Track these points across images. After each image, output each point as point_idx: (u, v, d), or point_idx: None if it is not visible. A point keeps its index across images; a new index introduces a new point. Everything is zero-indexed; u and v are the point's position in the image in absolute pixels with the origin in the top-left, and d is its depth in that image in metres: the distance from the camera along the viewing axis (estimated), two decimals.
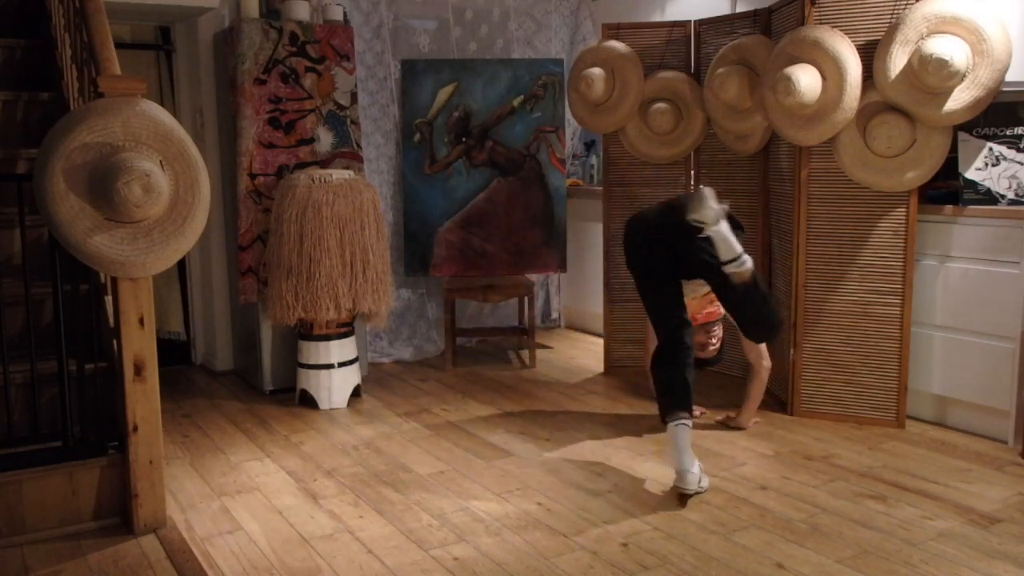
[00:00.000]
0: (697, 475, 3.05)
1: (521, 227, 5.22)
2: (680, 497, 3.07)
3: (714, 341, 3.71)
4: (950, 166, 3.62)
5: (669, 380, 3.20)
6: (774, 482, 3.24)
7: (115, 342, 2.89)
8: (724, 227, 3.08)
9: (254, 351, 4.60)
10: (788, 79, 3.59)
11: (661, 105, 4.45)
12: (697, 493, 3.07)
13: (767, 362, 3.74)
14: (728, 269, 3.10)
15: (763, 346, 3.70)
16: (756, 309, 3.30)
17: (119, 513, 2.93)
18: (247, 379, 4.79)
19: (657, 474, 3.33)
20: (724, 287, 3.22)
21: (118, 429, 2.93)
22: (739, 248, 3.10)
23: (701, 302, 3.59)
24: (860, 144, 3.68)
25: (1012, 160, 3.57)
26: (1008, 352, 3.49)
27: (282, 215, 4.09)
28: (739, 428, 3.80)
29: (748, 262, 3.11)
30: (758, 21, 4.22)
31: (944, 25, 3.43)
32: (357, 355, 4.41)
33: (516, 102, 5.18)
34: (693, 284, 3.41)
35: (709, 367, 3.87)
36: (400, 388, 4.63)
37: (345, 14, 4.68)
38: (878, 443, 3.62)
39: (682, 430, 3.09)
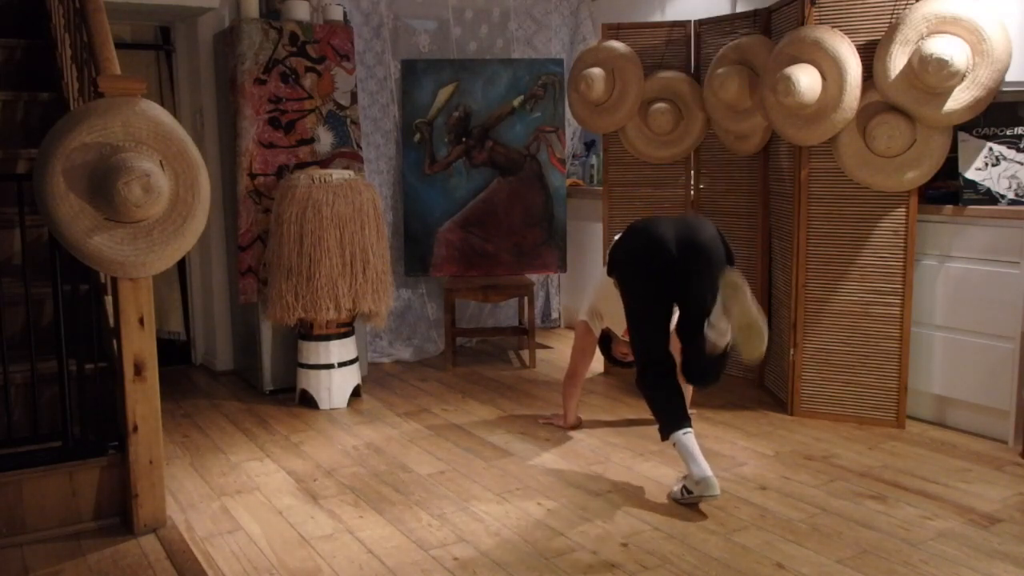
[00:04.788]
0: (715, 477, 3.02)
1: (521, 227, 5.22)
2: (694, 505, 3.05)
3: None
4: (950, 166, 3.62)
5: (669, 398, 3.15)
6: (774, 482, 3.24)
7: (115, 342, 2.89)
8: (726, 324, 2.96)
9: (254, 351, 4.60)
10: (788, 79, 3.59)
11: (661, 105, 4.45)
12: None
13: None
14: (709, 334, 2.98)
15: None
16: (711, 366, 3.14)
17: (119, 513, 2.93)
18: (247, 379, 4.79)
19: (657, 474, 3.33)
20: (696, 326, 3.09)
21: (118, 429, 2.93)
22: (728, 327, 2.96)
23: None
24: (860, 144, 3.68)
25: (1012, 160, 3.57)
26: (1008, 352, 3.49)
27: (282, 215, 4.09)
28: None
29: (728, 339, 2.98)
30: (758, 21, 4.22)
31: (944, 25, 3.43)
32: (357, 355, 4.41)
33: (516, 102, 5.18)
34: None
35: (625, 367, 3.91)
36: (400, 388, 4.63)
37: (345, 14, 4.68)
38: (878, 443, 3.62)
39: (690, 437, 3.06)
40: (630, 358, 3.73)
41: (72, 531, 2.85)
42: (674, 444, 3.08)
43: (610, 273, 3.38)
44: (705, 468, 2.99)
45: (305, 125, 4.48)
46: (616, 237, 3.41)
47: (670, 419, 3.11)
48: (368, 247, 4.15)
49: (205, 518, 3.02)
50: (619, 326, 3.61)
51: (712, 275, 3.05)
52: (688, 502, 3.03)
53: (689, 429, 3.07)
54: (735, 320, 2.89)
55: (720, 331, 2.94)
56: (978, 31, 3.39)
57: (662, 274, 3.15)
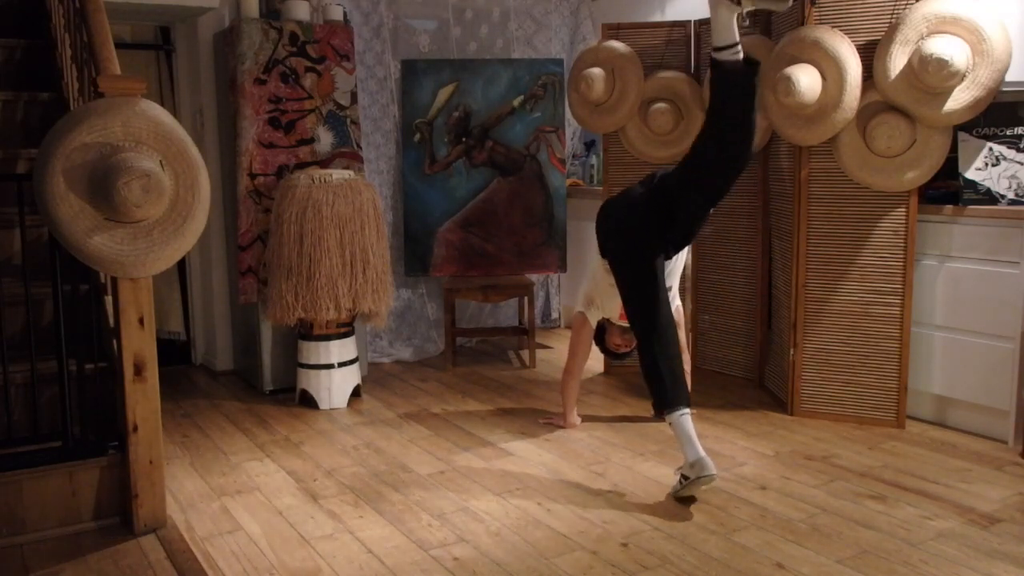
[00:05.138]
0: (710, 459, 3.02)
1: (521, 227, 5.22)
2: (688, 498, 3.06)
3: (628, 345, 3.72)
4: (950, 166, 3.62)
5: (671, 370, 3.13)
6: (774, 482, 3.24)
7: (115, 342, 2.89)
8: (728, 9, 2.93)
9: (254, 351, 4.60)
10: (788, 79, 3.59)
11: (661, 105, 4.45)
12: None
13: (687, 355, 3.86)
14: (721, 56, 2.94)
15: (684, 341, 3.81)
16: (748, 108, 3.00)
17: (119, 513, 2.93)
18: (247, 379, 4.79)
19: (657, 474, 3.33)
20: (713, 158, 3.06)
21: (118, 429, 2.93)
22: (738, 35, 2.94)
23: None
24: (860, 144, 3.68)
25: (1012, 160, 3.57)
26: (1008, 352, 3.49)
27: (282, 215, 4.09)
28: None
29: (741, 51, 2.95)
30: (758, 21, 4.22)
31: (944, 25, 3.43)
32: (357, 355, 4.41)
33: (516, 102, 5.18)
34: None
35: (619, 361, 3.94)
36: (400, 388, 4.63)
37: (345, 14, 4.68)
38: (878, 443, 3.62)
39: (688, 420, 3.07)
40: (624, 348, 3.73)
41: (72, 531, 2.85)
42: (670, 424, 3.10)
43: (603, 254, 3.43)
44: (699, 449, 3.00)
45: (305, 125, 4.48)
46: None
47: (668, 395, 3.11)
48: (368, 247, 4.15)
49: (205, 518, 3.02)
50: (614, 310, 3.61)
51: (682, 194, 3.14)
52: (687, 493, 3.04)
53: (687, 410, 3.08)
54: None
55: (731, 50, 2.91)
56: (978, 31, 3.39)
57: (641, 218, 3.22)
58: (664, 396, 3.13)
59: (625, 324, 3.59)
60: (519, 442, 3.72)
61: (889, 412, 3.80)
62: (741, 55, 2.97)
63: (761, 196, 4.36)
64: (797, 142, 3.81)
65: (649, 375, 3.21)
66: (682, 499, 3.07)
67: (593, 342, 3.82)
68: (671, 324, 3.23)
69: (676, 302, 3.75)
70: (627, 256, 3.30)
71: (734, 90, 2.98)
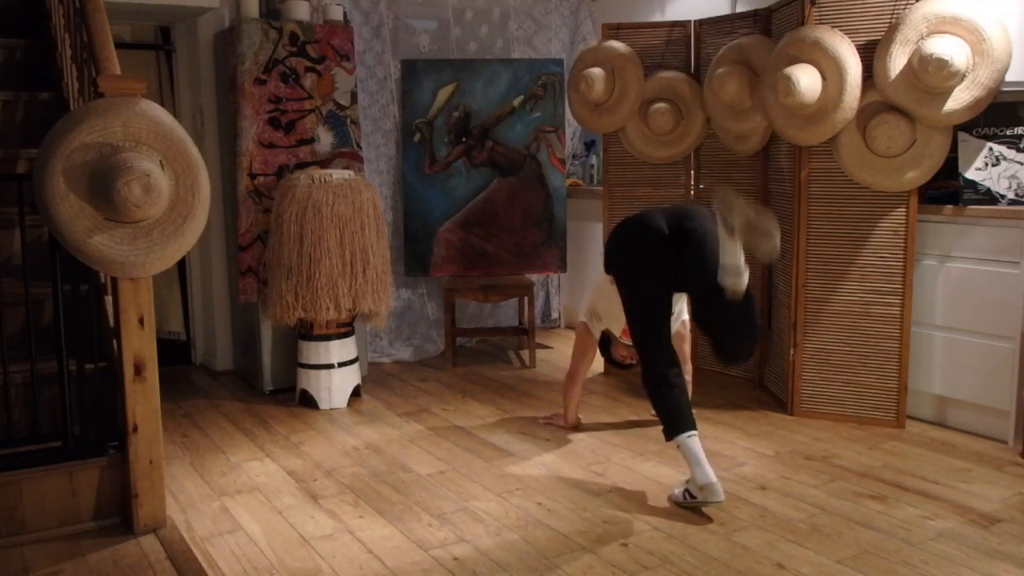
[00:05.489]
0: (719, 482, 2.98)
1: (521, 227, 5.22)
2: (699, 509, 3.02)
3: (633, 357, 3.71)
4: (950, 166, 3.62)
5: (675, 398, 3.07)
6: (774, 482, 3.24)
7: (115, 342, 2.89)
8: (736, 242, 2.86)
9: (254, 351, 4.60)
10: (788, 79, 3.59)
11: (661, 105, 4.45)
12: None
13: (689, 366, 3.89)
14: (725, 280, 2.86)
15: (688, 353, 3.84)
16: (743, 328, 3.05)
17: (119, 513, 2.93)
18: (247, 379, 4.79)
19: (657, 474, 3.34)
20: (710, 303, 2.99)
21: (118, 429, 2.93)
22: (742, 260, 2.86)
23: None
24: (860, 144, 3.68)
25: (1012, 160, 3.57)
26: (1008, 352, 3.49)
27: (282, 215, 4.09)
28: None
29: (746, 277, 2.88)
30: (758, 21, 4.22)
31: (944, 25, 3.43)
32: (357, 355, 4.41)
33: (516, 102, 5.18)
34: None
35: (624, 369, 3.94)
36: (400, 388, 4.63)
37: (345, 14, 4.68)
38: (878, 443, 3.62)
39: (695, 441, 3.01)
40: (629, 360, 3.73)
41: (72, 531, 2.85)
42: (678, 446, 3.05)
43: (607, 269, 3.36)
44: (710, 474, 2.94)
45: (305, 125, 4.48)
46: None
47: (675, 421, 3.05)
48: (368, 247, 4.15)
49: (205, 518, 3.02)
50: (617, 326, 3.61)
51: (709, 252, 2.97)
52: (690, 506, 3.02)
53: (694, 432, 3.02)
54: (738, 229, 2.78)
55: (732, 270, 2.83)
56: (978, 31, 3.39)
57: (655, 258, 3.11)
58: (668, 423, 3.07)
59: (628, 342, 3.56)
60: (519, 442, 3.72)
61: (889, 412, 3.80)
62: (743, 281, 2.85)
63: (761, 196, 4.35)
64: (797, 142, 3.81)
65: (652, 400, 3.16)
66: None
67: (597, 349, 3.81)
68: (673, 351, 3.17)
69: (684, 316, 3.74)
70: (635, 285, 3.21)
71: (732, 318, 2.99)
